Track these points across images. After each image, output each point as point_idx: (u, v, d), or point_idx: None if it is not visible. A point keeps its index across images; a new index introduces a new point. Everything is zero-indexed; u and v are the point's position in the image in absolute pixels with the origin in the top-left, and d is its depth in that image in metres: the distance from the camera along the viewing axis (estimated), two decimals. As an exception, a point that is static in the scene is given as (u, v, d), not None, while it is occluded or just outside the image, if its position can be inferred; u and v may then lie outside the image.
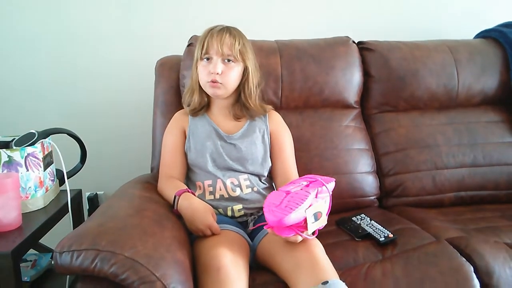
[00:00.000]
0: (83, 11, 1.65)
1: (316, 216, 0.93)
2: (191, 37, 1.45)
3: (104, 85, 1.71)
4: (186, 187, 1.13)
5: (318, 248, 0.96)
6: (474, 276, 1.00)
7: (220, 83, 1.15)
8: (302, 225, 0.93)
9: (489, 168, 1.46)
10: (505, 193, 1.46)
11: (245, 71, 1.19)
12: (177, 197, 1.07)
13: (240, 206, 1.16)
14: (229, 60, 1.15)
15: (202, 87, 1.20)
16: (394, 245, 1.11)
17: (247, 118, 1.24)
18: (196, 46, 1.19)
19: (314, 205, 0.94)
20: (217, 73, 1.13)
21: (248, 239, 1.09)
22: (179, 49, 1.46)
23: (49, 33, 1.66)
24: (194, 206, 1.05)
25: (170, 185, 1.14)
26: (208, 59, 1.16)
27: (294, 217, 0.89)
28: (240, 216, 1.16)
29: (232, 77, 1.16)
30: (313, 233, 0.97)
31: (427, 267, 1.01)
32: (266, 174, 1.22)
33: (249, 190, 1.18)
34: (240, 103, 1.22)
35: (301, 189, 0.97)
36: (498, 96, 1.56)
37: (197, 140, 1.21)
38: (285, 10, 1.74)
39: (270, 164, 1.23)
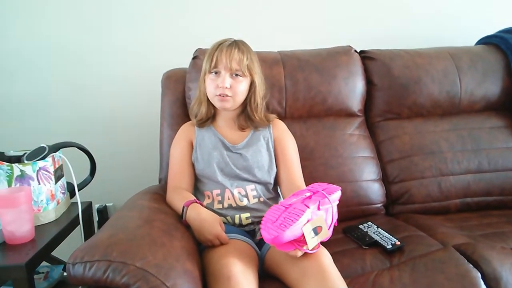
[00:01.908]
0: (90, 26, 1.69)
1: (316, 231, 0.93)
2: (196, 50, 1.47)
3: (112, 99, 1.74)
4: (194, 197, 1.14)
5: (325, 256, 0.97)
6: (482, 282, 1.00)
7: (229, 96, 1.17)
8: (302, 240, 0.92)
9: (495, 174, 1.46)
10: (511, 198, 1.46)
11: (252, 85, 1.22)
12: (185, 208, 1.08)
13: (247, 214, 1.18)
14: (237, 75, 1.18)
15: (210, 99, 1.22)
16: (401, 252, 1.12)
17: (251, 129, 1.26)
18: (205, 59, 1.21)
19: (313, 219, 0.93)
20: (226, 87, 1.16)
21: (256, 248, 1.10)
22: (184, 62, 1.49)
23: (57, 47, 1.69)
24: (202, 217, 1.06)
25: (178, 196, 1.16)
26: (216, 73, 1.18)
27: (289, 234, 0.89)
28: (247, 225, 1.18)
29: (240, 90, 1.19)
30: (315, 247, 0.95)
31: (435, 274, 1.02)
32: (272, 181, 1.24)
33: (256, 200, 1.20)
34: (245, 114, 1.25)
35: (301, 202, 0.96)
36: (501, 102, 1.57)
37: (204, 151, 1.23)
38: (287, 21, 1.76)
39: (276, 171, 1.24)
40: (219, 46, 1.18)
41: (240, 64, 1.16)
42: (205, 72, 1.21)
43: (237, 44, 1.19)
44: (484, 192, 1.46)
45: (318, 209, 0.96)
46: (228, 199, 1.19)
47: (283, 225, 0.89)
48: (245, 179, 1.20)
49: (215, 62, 1.16)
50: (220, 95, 1.17)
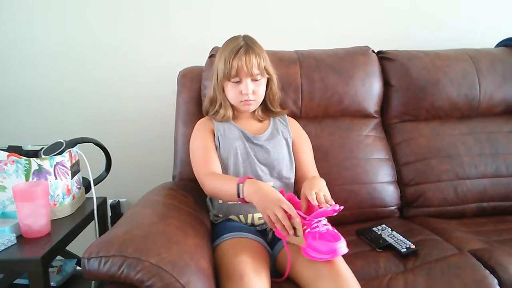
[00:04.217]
0: (107, 23, 1.70)
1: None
2: (212, 49, 1.47)
3: (127, 96, 1.76)
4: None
5: (339, 258, 0.96)
6: (498, 288, 0.99)
7: (253, 100, 1.21)
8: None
9: (512, 179, 1.44)
10: (529, 204, 1.43)
11: (269, 81, 1.25)
12: (241, 185, 1.01)
13: (260, 214, 1.17)
14: (257, 79, 1.20)
15: (233, 104, 1.25)
16: (416, 256, 1.10)
17: (270, 116, 1.30)
18: (220, 64, 1.21)
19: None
20: (250, 93, 1.19)
21: (268, 248, 1.10)
22: (200, 60, 1.49)
23: (74, 44, 1.71)
24: (262, 191, 0.98)
25: (222, 178, 1.11)
26: (237, 80, 1.19)
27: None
28: (259, 225, 1.18)
29: (261, 91, 1.23)
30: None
31: (450, 279, 1.01)
32: (293, 179, 1.23)
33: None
34: (263, 106, 1.29)
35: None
36: (521, 106, 1.54)
37: (226, 140, 1.22)
38: (304, 20, 1.75)
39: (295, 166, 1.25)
40: (236, 53, 1.17)
41: (259, 68, 1.19)
42: (222, 78, 1.21)
43: (252, 48, 1.19)
44: (501, 197, 1.43)
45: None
46: None
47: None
48: (264, 172, 1.20)
49: (236, 71, 1.17)
50: (245, 100, 1.20)
